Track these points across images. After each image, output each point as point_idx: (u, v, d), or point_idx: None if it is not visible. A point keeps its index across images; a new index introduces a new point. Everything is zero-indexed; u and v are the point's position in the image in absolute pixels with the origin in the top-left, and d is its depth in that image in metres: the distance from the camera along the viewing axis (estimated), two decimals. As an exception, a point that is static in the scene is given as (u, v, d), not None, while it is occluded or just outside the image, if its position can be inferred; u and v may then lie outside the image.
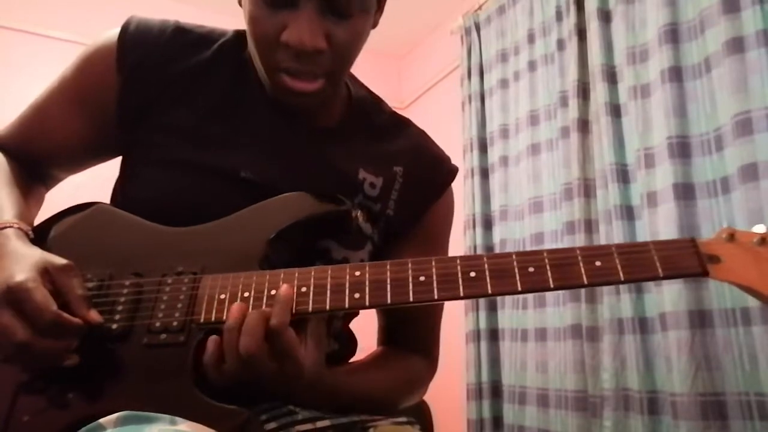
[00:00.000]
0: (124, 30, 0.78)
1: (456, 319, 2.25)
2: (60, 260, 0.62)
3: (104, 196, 0.83)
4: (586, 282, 0.60)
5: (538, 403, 1.86)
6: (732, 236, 0.61)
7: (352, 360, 0.85)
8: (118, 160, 0.85)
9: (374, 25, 0.80)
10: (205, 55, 0.79)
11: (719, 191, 1.43)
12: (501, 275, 0.61)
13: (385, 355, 0.86)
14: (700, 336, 1.39)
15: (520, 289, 0.60)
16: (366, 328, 0.90)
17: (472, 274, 0.61)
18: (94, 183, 1.03)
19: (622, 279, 0.60)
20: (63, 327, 0.57)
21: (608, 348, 1.61)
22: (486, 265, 0.62)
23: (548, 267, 0.61)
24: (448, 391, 2.21)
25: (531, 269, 0.61)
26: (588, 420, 1.67)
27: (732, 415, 1.32)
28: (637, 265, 0.60)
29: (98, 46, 0.79)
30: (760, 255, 0.59)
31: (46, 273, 0.60)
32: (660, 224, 1.51)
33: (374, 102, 0.90)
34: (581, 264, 0.61)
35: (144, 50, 0.77)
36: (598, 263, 0.61)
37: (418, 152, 0.88)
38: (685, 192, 1.47)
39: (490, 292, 0.61)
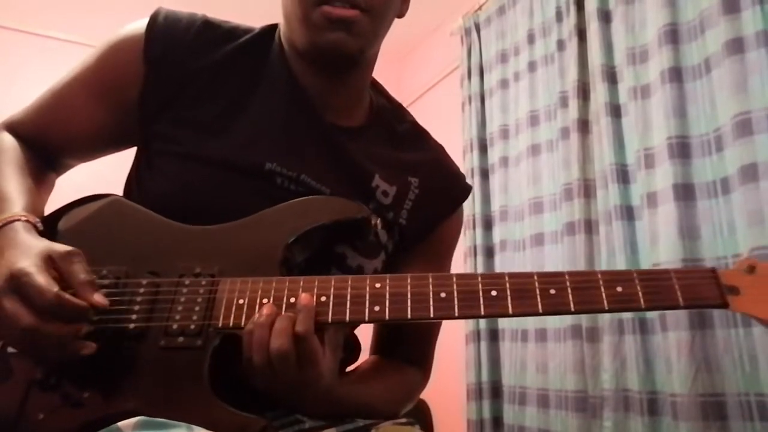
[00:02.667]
0: (153, 21, 0.77)
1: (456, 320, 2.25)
2: (63, 247, 0.61)
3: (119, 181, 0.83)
4: (606, 307, 0.60)
5: (538, 404, 1.86)
6: (753, 268, 0.61)
7: (353, 365, 0.85)
8: (123, 156, 0.84)
9: (400, 14, 0.82)
10: (230, 49, 0.78)
11: (719, 192, 1.43)
12: (522, 296, 0.61)
13: (383, 366, 0.86)
14: (700, 337, 1.38)
15: (541, 311, 0.60)
16: (366, 332, 0.90)
17: (494, 293, 0.61)
18: (98, 185, 1.03)
19: (643, 306, 0.60)
20: (66, 309, 0.56)
21: (608, 348, 1.61)
22: (507, 284, 0.61)
23: (569, 290, 0.61)
24: (448, 391, 2.21)
25: (552, 291, 0.61)
26: (588, 420, 1.67)
27: (732, 416, 1.32)
28: (658, 293, 0.60)
29: (125, 36, 0.78)
30: None
31: (49, 260, 0.60)
32: (660, 225, 1.51)
33: (396, 110, 0.91)
34: (602, 288, 0.61)
35: (171, 43, 0.76)
36: (619, 288, 0.60)
37: (435, 166, 0.89)
38: (685, 192, 1.47)
39: (510, 312, 0.60)
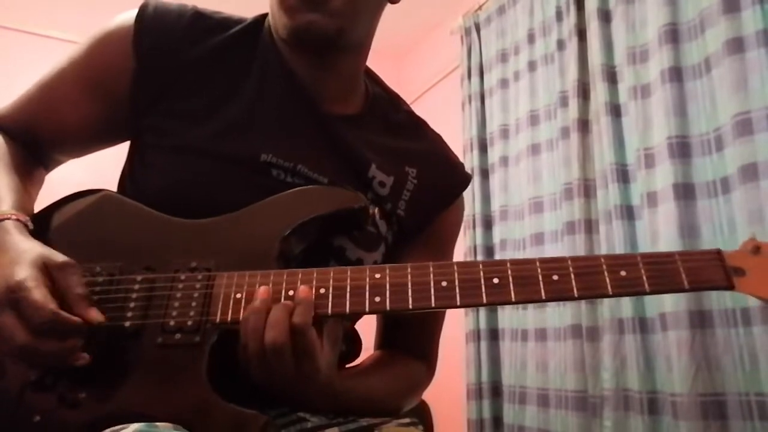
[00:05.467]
0: (142, 12, 0.76)
1: (456, 319, 2.25)
2: (60, 257, 0.60)
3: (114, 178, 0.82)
4: (611, 292, 0.59)
5: (538, 403, 1.86)
6: (758, 249, 0.61)
7: (355, 361, 0.84)
8: (120, 151, 0.83)
9: None
10: (221, 40, 0.77)
11: (719, 191, 1.43)
12: (525, 282, 0.60)
13: (386, 360, 0.85)
14: (701, 336, 1.38)
15: (543, 297, 0.59)
16: (369, 328, 0.90)
17: (495, 280, 0.60)
18: (97, 180, 1.03)
19: (648, 290, 0.59)
20: (62, 327, 0.55)
21: (608, 348, 1.61)
22: (509, 272, 0.60)
23: (573, 275, 0.60)
24: (448, 391, 2.21)
25: (555, 277, 0.60)
26: (588, 420, 1.67)
27: (732, 416, 1.32)
28: (663, 276, 0.59)
29: (114, 28, 0.76)
30: None
31: (45, 270, 0.58)
32: (660, 224, 1.51)
33: (392, 99, 0.90)
34: (606, 273, 0.60)
35: (162, 34, 0.75)
36: (623, 273, 0.59)
37: (434, 156, 0.87)
38: (685, 192, 1.47)
39: (513, 299, 0.59)
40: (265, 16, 0.82)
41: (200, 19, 0.78)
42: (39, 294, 0.55)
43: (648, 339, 1.55)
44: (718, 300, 1.39)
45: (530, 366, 1.92)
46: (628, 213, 1.64)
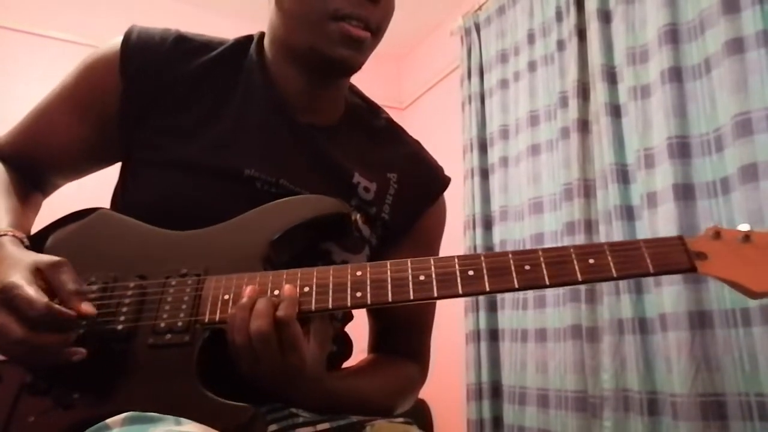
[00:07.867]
0: (127, 39, 0.80)
1: (456, 320, 2.25)
2: (50, 257, 0.63)
3: (108, 198, 0.84)
4: (580, 279, 0.62)
5: (538, 404, 1.86)
6: (718, 234, 0.64)
7: (347, 363, 0.85)
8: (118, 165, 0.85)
9: None
10: (205, 60, 0.81)
11: (719, 191, 1.43)
12: (498, 273, 0.63)
13: (379, 361, 0.87)
14: (700, 336, 1.39)
15: (516, 286, 0.62)
16: (362, 332, 0.90)
17: (470, 272, 0.63)
18: (101, 188, 1.03)
19: (615, 275, 0.62)
20: (56, 319, 0.58)
21: (608, 348, 1.61)
22: (483, 264, 0.63)
23: (543, 265, 0.63)
24: (448, 391, 2.21)
25: (527, 267, 0.63)
26: (588, 420, 1.67)
27: (732, 416, 1.32)
28: (629, 261, 0.62)
29: (100, 55, 0.81)
30: (744, 251, 0.62)
31: (37, 272, 0.61)
32: (660, 224, 1.51)
33: (370, 108, 0.93)
34: (575, 261, 0.63)
35: (146, 57, 0.78)
36: (591, 260, 0.63)
37: (412, 161, 0.91)
38: (685, 192, 1.47)
39: (488, 289, 0.62)
40: (249, 37, 0.85)
41: (183, 41, 0.81)
42: (31, 290, 0.58)
43: (648, 339, 1.55)
44: (717, 300, 1.39)
45: (530, 366, 1.92)
46: (628, 213, 1.64)
